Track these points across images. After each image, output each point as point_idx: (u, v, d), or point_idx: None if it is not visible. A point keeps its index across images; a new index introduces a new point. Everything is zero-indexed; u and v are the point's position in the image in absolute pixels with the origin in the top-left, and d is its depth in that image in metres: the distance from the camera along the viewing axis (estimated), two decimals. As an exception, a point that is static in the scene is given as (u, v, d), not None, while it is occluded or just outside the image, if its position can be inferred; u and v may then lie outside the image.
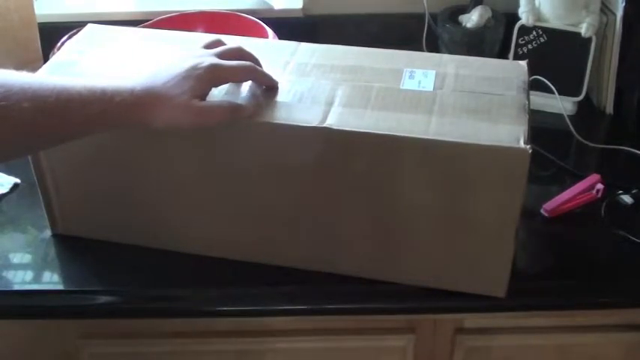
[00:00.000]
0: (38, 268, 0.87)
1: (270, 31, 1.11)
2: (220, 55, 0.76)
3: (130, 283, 0.85)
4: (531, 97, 0.80)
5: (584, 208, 0.93)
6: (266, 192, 0.80)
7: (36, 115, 0.65)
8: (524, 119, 0.74)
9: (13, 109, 0.63)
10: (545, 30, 1.12)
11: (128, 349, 0.91)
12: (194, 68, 0.73)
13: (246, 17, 1.17)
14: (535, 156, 0.71)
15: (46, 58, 1.03)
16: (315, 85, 0.80)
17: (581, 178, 0.96)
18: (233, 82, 0.78)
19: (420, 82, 0.80)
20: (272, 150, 0.77)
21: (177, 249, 0.86)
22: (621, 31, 1.08)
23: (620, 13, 1.07)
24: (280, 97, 0.78)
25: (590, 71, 1.11)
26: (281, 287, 0.84)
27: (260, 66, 0.79)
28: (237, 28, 1.12)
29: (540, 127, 0.82)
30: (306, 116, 0.75)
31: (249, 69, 0.77)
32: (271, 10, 1.29)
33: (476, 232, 0.77)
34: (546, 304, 0.86)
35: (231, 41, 0.83)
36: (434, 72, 0.81)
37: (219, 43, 0.81)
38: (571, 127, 1.07)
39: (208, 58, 0.74)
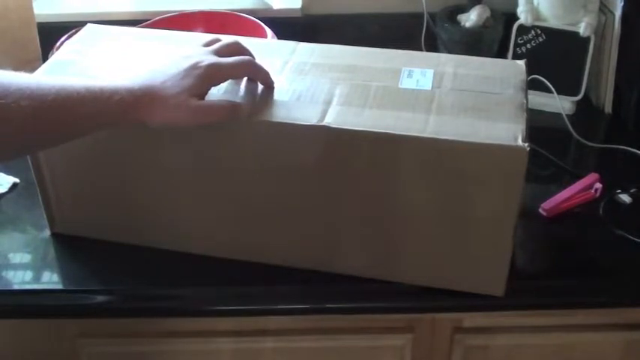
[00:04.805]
0: (37, 267, 0.87)
1: (269, 31, 1.11)
2: (218, 52, 0.76)
3: (129, 282, 0.85)
4: (530, 96, 0.80)
5: (583, 207, 0.93)
6: (264, 191, 0.80)
7: (34, 113, 0.65)
8: (522, 118, 0.74)
9: (11, 108, 0.63)
10: (544, 29, 1.12)
11: (127, 349, 0.91)
12: (193, 67, 0.73)
13: (245, 17, 1.17)
14: (533, 155, 0.71)
15: (45, 58, 1.03)
16: (313, 84, 0.80)
17: (579, 177, 0.96)
18: (232, 78, 0.78)
19: (418, 81, 0.80)
20: (270, 148, 0.77)
21: (176, 248, 0.86)
22: (620, 30, 1.08)
23: (618, 13, 1.07)
24: (279, 95, 0.78)
25: (589, 70, 1.11)
26: (280, 287, 0.84)
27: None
28: (236, 27, 1.13)
29: (539, 127, 0.82)
30: (305, 115, 0.75)
31: (248, 63, 0.77)
32: (270, 9, 1.29)
33: (474, 230, 0.77)
34: (545, 303, 0.86)
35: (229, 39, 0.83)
36: (432, 71, 0.81)
37: (217, 42, 0.81)
38: (570, 126, 1.07)
39: (208, 57, 0.75)
